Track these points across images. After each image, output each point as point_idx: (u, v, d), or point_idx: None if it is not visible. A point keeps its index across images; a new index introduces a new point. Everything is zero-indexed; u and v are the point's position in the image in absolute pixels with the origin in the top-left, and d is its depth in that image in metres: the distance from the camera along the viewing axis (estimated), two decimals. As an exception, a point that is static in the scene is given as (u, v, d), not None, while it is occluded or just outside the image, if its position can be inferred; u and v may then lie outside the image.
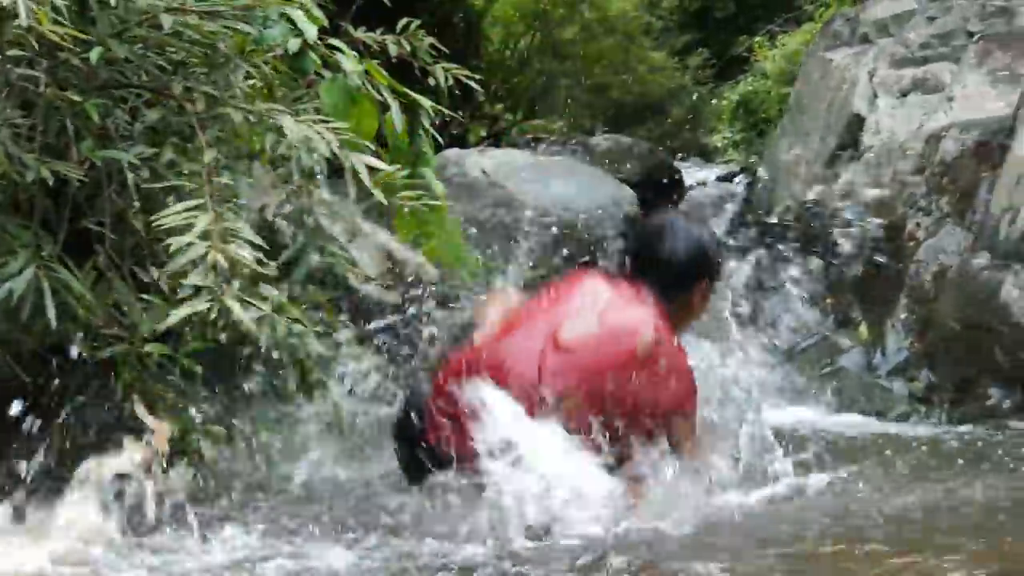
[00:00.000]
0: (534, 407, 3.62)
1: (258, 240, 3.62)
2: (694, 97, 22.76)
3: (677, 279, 3.95)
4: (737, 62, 20.62)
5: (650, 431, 3.64)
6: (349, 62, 4.66)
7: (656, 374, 3.69)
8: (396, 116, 4.69)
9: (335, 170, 4.19)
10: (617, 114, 21.27)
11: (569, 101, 19.48)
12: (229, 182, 3.81)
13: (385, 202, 4.23)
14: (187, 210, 3.53)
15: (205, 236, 3.47)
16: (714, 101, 21.99)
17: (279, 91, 4.81)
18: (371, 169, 4.14)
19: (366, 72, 4.69)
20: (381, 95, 4.73)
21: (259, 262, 3.56)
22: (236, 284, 3.45)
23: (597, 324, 3.83)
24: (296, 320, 3.94)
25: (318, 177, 4.38)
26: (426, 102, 4.87)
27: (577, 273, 4.17)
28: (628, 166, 13.34)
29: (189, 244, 3.44)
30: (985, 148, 7.79)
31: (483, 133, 17.94)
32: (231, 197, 4.76)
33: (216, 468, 4.28)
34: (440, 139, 5.17)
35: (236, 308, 3.43)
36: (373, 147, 4.63)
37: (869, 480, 4.36)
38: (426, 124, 5.02)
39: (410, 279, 8.42)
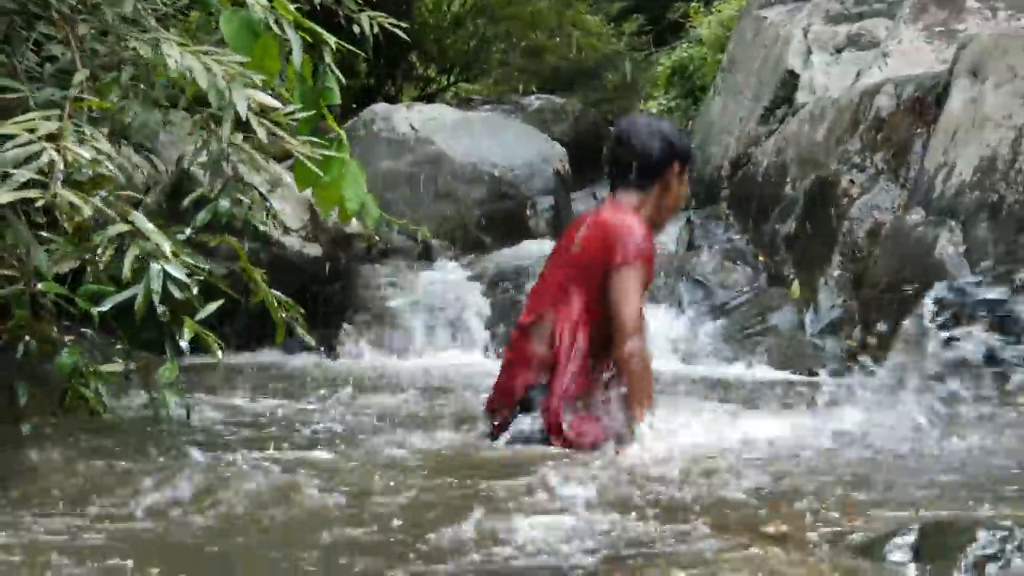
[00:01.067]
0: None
1: (108, 149, 3.39)
2: (628, 63, 22.53)
3: (650, 169, 4.33)
4: (672, 28, 20.44)
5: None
6: (251, -6, 4.38)
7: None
8: (296, 51, 4.39)
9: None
10: (551, 78, 21.00)
11: (503, 64, 19.22)
12: (106, 105, 3.54)
13: (265, 140, 3.97)
14: (42, 119, 3.30)
15: (51, 138, 3.26)
16: (650, 68, 21.83)
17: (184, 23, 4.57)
18: (263, 109, 3.93)
19: (271, 6, 4.41)
20: (285, 32, 4.46)
21: (95, 163, 3.31)
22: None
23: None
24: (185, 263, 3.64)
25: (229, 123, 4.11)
26: (330, 38, 4.60)
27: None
28: (560, 127, 13.13)
29: (28, 142, 3.22)
30: (920, 104, 7.67)
31: (415, 95, 17.64)
32: (133, 133, 4.50)
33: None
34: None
35: (70, 196, 3.21)
36: (271, 87, 4.35)
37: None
38: (329, 60, 4.74)
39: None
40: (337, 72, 4.56)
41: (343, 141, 4.57)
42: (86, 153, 3.24)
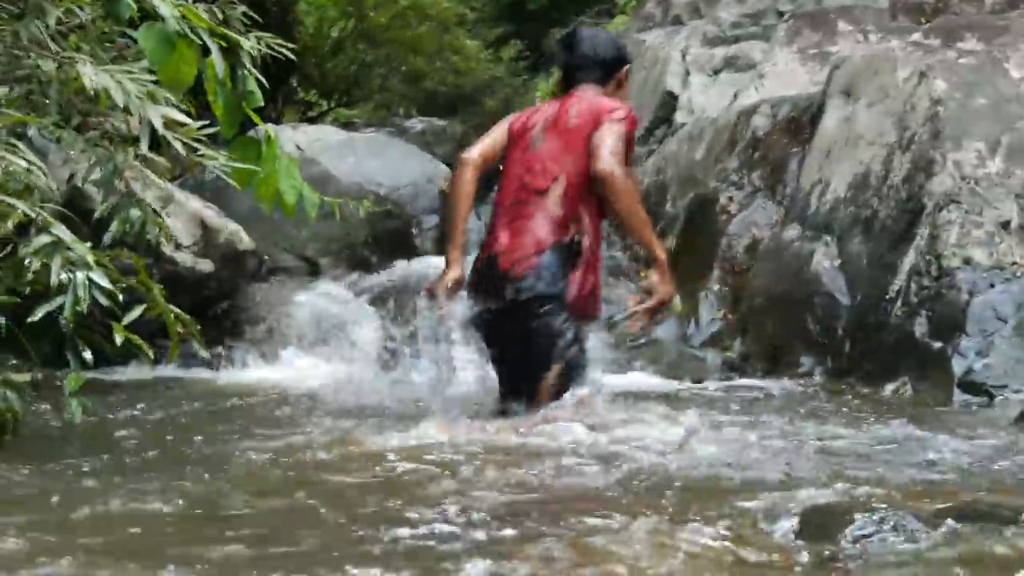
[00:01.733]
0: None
1: (37, 160, 3.38)
2: (508, 88, 22.64)
3: (606, 69, 4.95)
4: (550, 56, 20.58)
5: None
6: (165, 6, 4.38)
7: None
8: (217, 58, 4.40)
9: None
10: (431, 103, 21.04)
11: (383, 89, 19.21)
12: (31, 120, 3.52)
13: (184, 153, 3.98)
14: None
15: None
16: (528, 92, 21.97)
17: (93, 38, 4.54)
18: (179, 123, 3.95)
19: (183, 17, 4.41)
20: (201, 39, 4.46)
21: (28, 172, 3.30)
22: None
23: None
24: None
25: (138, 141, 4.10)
26: (246, 43, 4.60)
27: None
28: (443, 148, 13.16)
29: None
30: (795, 123, 7.85)
31: (296, 119, 17.55)
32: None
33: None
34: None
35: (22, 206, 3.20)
36: (183, 104, 4.35)
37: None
38: (248, 64, 4.74)
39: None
40: (257, 75, 4.57)
41: (272, 137, 4.58)
42: (22, 162, 3.22)
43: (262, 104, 4.54)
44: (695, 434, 4.42)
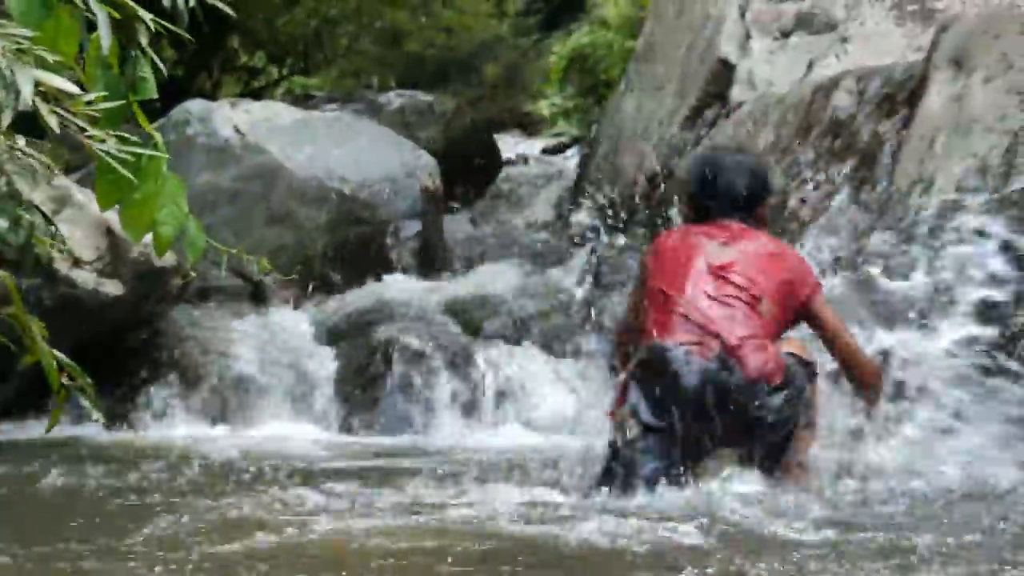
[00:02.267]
0: None
1: None
2: (514, 52, 22.66)
3: (748, 203, 5.63)
4: (569, 7, 20.63)
5: None
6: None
7: None
8: (104, 29, 4.28)
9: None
10: (414, 71, 21.02)
11: (351, 52, 19.15)
12: None
13: (57, 130, 3.84)
14: None
15: None
16: (540, 57, 21.93)
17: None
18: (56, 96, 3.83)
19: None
20: (86, 5, 4.35)
21: None
22: None
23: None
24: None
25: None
26: (145, 14, 4.49)
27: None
28: (428, 131, 13.10)
29: None
30: (889, 102, 7.76)
31: (238, 90, 17.52)
32: None
33: None
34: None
35: None
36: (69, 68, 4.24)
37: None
38: (144, 42, 4.63)
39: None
40: (154, 57, 4.46)
41: (159, 146, 4.46)
42: None
43: (155, 97, 4.43)
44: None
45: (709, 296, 5.29)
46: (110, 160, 4.08)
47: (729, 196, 5.62)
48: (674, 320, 5.25)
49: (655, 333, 5.20)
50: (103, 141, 4.11)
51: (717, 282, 5.33)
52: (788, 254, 5.63)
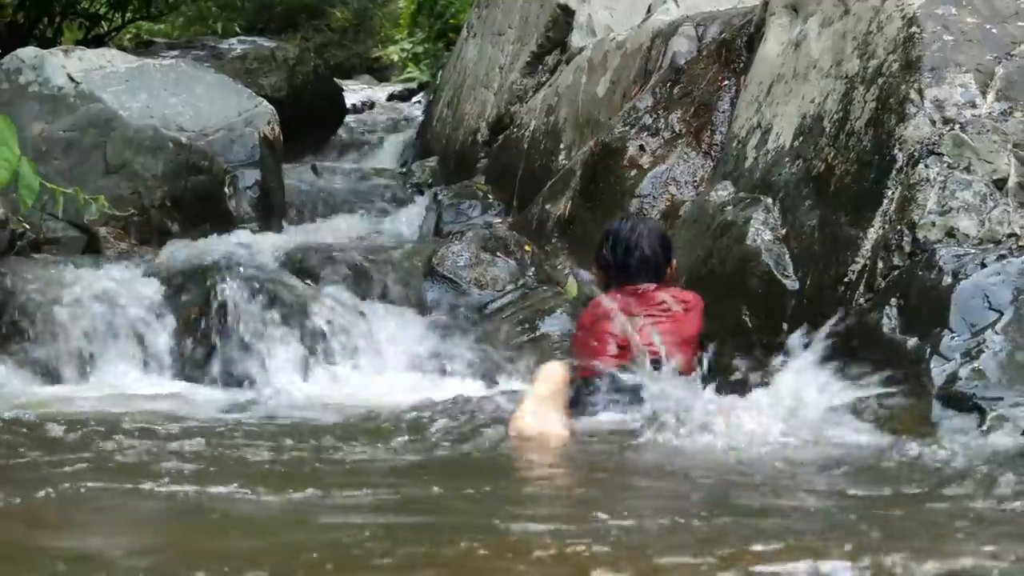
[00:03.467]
0: None
1: None
2: (362, -2, 22.43)
3: (659, 268, 6.35)
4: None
5: None
6: None
7: None
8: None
9: None
10: (261, 17, 20.79)
11: (197, -3, 18.87)
12: None
13: None
14: None
15: None
16: (389, 2, 21.75)
17: None
18: None
19: None
20: None
21: None
22: None
23: None
24: None
25: None
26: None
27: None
28: (270, 78, 12.94)
29: None
30: (727, 48, 7.75)
31: (78, 37, 17.15)
32: None
33: None
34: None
35: None
36: None
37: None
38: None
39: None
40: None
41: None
42: None
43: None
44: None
45: None
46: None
47: (651, 264, 6.33)
48: None
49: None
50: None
51: None
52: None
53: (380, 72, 21.34)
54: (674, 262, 6.53)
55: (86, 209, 7.34)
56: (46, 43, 13.66)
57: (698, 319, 6.30)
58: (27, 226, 8.44)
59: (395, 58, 20.29)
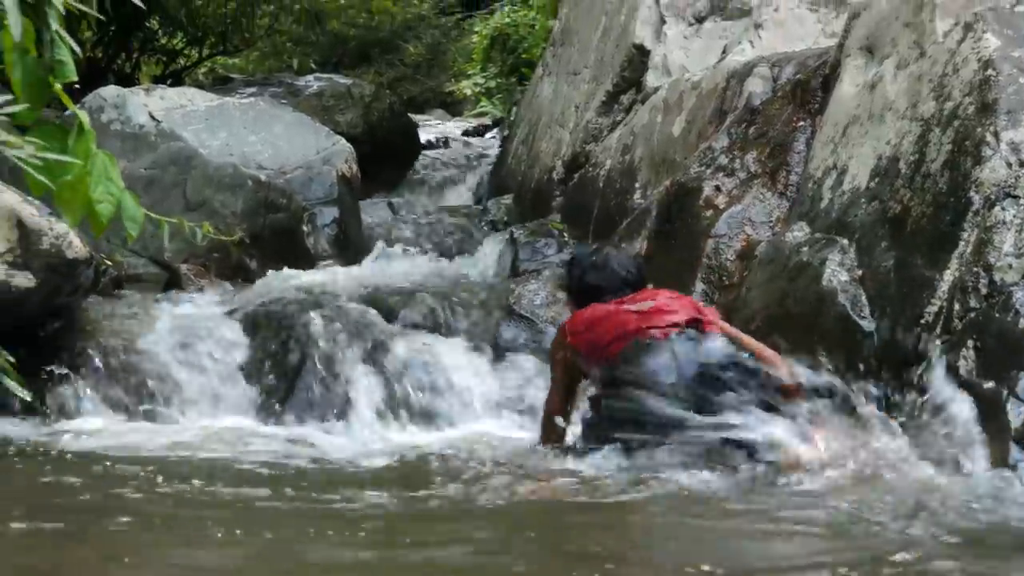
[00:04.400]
0: None
1: None
2: (436, 31, 22.56)
3: (634, 288, 6.49)
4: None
5: None
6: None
7: None
8: (13, 15, 4.19)
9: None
10: (335, 53, 20.91)
11: (272, 32, 18.98)
12: None
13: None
14: None
15: None
16: (462, 37, 21.83)
17: None
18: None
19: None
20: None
21: None
22: None
23: None
24: None
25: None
26: (56, -4, 4.39)
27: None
28: (347, 115, 13.03)
29: None
30: (802, 89, 7.74)
31: (157, 73, 17.33)
32: None
33: None
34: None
35: None
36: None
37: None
38: (55, 25, 4.54)
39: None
40: (70, 40, 4.36)
41: (85, 127, 4.36)
42: None
43: (75, 79, 4.33)
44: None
45: None
46: (27, 167, 4.00)
47: (621, 278, 6.53)
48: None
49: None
50: (20, 147, 4.02)
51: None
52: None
53: (453, 107, 21.44)
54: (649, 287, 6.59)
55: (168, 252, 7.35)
56: (124, 79, 13.83)
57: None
58: (109, 263, 8.53)
59: (468, 92, 20.36)
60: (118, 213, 4.48)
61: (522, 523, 4.78)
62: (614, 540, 4.59)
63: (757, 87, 7.88)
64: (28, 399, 5.32)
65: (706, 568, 3.89)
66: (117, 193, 4.33)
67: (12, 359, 4.10)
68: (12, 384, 4.06)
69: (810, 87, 7.68)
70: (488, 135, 16.24)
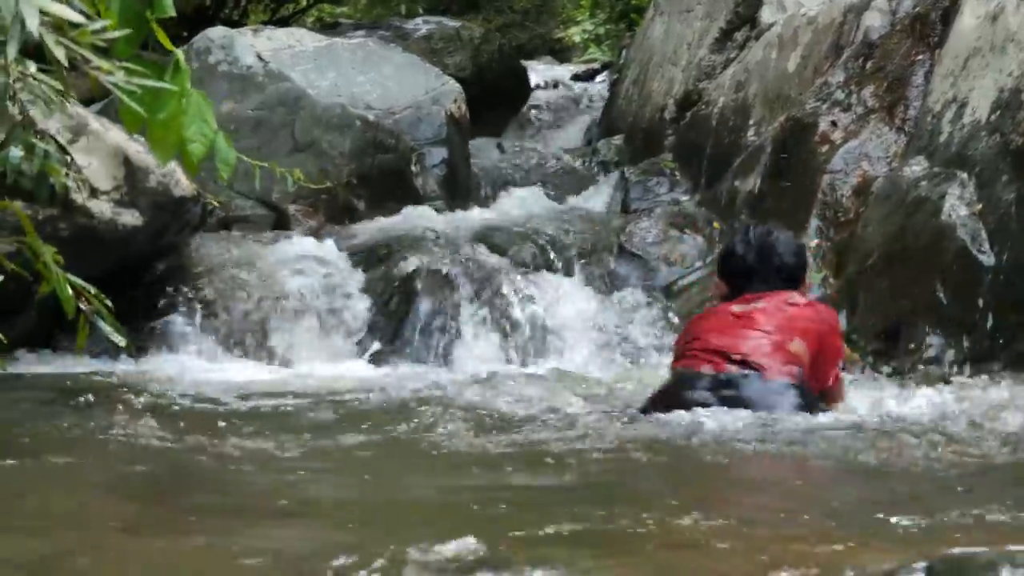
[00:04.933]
0: None
1: None
2: (543, -24, 22.49)
3: (795, 279, 5.78)
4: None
5: None
6: None
7: None
8: (113, -51, 4.18)
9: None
10: (443, 0, 20.92)
11: (380, -22, 19.05)
12: None
13: (65, 62, 3.73)
14: None
15: None
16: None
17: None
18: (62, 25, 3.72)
19: None
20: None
21: None
22: None
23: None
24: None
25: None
26: (157, -67, 4.39)
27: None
28: (455, 57, 13.02)
29: None
30: (921, 22, 7.68)
31: (264, 18, 17.42)
32: None
33: None
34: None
35: None
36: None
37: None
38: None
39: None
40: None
41: (180, 65, 4.35)
42: None
43: (173, 14, 4.32)
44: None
45: None
46: (118, 92, 3.99)
47: (780, 271, 5.77)
48: None
49: None
50: (111, 73, 4.01)
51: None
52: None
53: (561, 53, 21.38)
54: (808, 281, 6.09)
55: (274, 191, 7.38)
56: (232, 25, 13.88)
57: (818, 335, 5.59)
58: (216, 203, 8.56)
59: (577, 39, 20.30)
60: (212, 154, 4.47)
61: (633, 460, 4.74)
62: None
63: (875, 21, 7.82)
64: (122, 344, 5.30)
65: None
66: (210, 134, 4.32)
67: (109, 303, 4.08)
68: (107, 329, 4.05)
69: (929, 20, 7.62)
70: (598, 78, 16.16)
